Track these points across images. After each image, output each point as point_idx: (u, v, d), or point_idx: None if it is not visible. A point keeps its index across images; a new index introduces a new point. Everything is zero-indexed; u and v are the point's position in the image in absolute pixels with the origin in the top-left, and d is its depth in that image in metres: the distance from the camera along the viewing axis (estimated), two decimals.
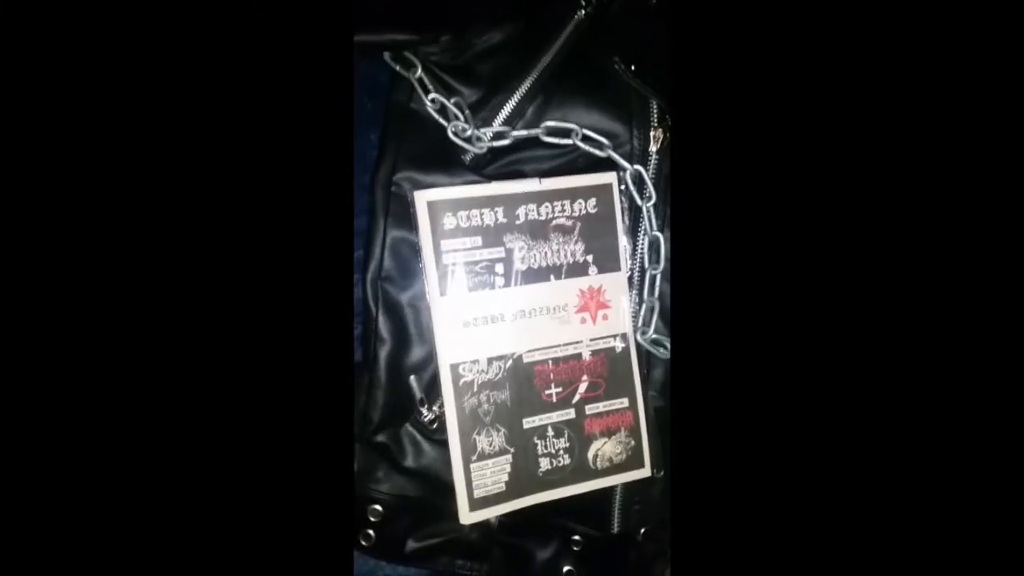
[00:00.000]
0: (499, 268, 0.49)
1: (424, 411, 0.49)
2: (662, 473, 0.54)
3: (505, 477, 0.50)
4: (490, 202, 0.48)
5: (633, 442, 0.53)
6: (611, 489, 0.54)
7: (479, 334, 0.48)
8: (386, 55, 0.50)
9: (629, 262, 0.53)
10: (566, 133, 0.51)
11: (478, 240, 0.48)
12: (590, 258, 0.52)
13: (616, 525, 0.55)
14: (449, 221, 0.47)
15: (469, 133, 0.50)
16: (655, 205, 0.53)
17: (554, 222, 0.51)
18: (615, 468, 0.53)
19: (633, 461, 0.53)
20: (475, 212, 0.48)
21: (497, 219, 0.49)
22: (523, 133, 0.51)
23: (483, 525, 0.50)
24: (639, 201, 0.53)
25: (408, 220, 0.48)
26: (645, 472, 0.53)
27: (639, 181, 0.53)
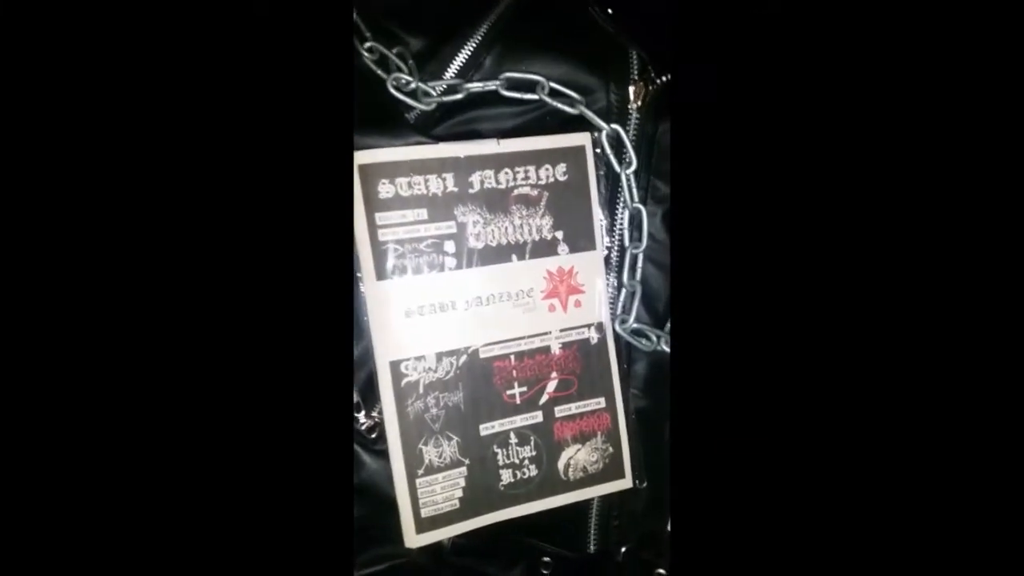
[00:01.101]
0: (449, 246, 0.41)
1: (360, 417, 0.42)
2: (645, 484, 0.47)
3: (459, 493, 0.42)
4: (437, 167, 0.41)
5: (611, 449, 0.46)
6: (586, 503, 0.47)
7: (425, 325, 0.41)
8: None
9: (606, 239, 0.46)
10: (530, 86, 0.44)
11: (423, 213, 0.40)
12: (559, 235, 0.44)
13: (593, 543, 0.47)
14: (386, 189, 0.39)
15: (414, 87, 0.42)
16: (636, 172, 0.45)
17: (516, 192, 0.43)
18: (590, 479, 0.45)
19: (611, 471, 0.46)
20: (418, 179, 0.40)
21: (446, 187, 0.41)
22: (479, 86, 0.43)
23: (435, 548, 0.43)
24: (617, 167, 0.45)
25: None
26: (625, 483, 0.46)
27: (617, 143, 0.45)
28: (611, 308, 0.46)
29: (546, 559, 0.46)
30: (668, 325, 0.46)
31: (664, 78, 0.45)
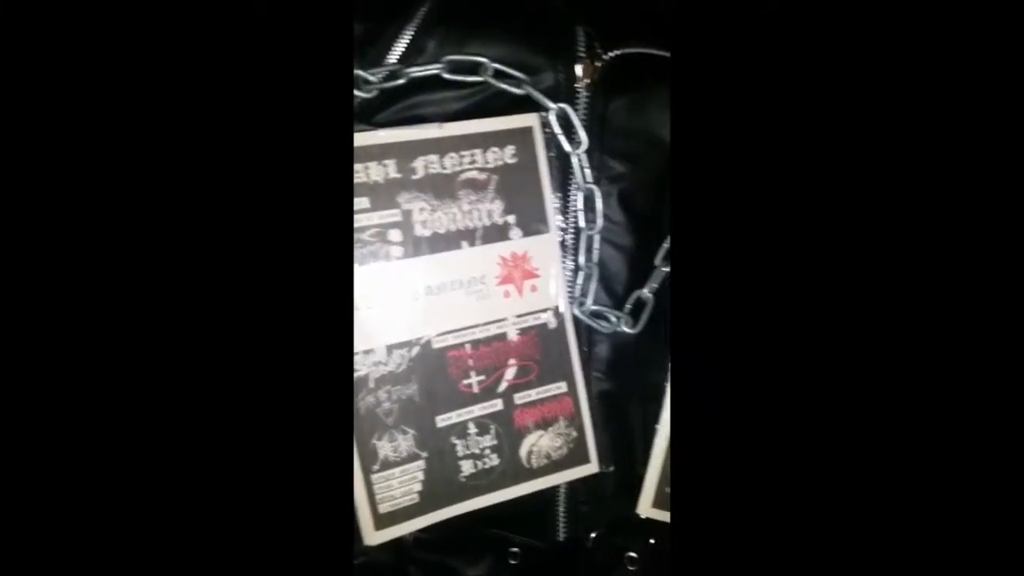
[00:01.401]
0: (394, 235, 0.40)
1: None
2: (611, 468, 0.46)
3: (418, 487, 0.41)
4: (378, 153, 0.40)
5: (575, 433, 0.45)
6: (553, 490, 0.46)
7: (373, 317, 0.40)
8: None
9: (560, 222, 0.45)
10: (473, 68, 0.43)
11: (364, 201, 0.39)
12: (511, 219, 0.43)
13: (562, 531, 0.47)
14: None
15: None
16: (588, 152, 0.44)
17: (463, 176, 0.42)
18: (555, 465, 0.44)
19: (576, 456, 0.45)
20: (358, 167, 0.39)
21: (388, 174, 0.40)
22: (419, 71, 0.42)
23: (396, 544, 0.42)
24: (567, 147, 0.44)
25: None
26: (591, 468, 0.45)
27: (566, 123, 0.44)
28: (569, 291, 0.45)
29: (514, 550, 0.46)
30: (627, 306, 0.46)
31: (612, 53, 0.44)
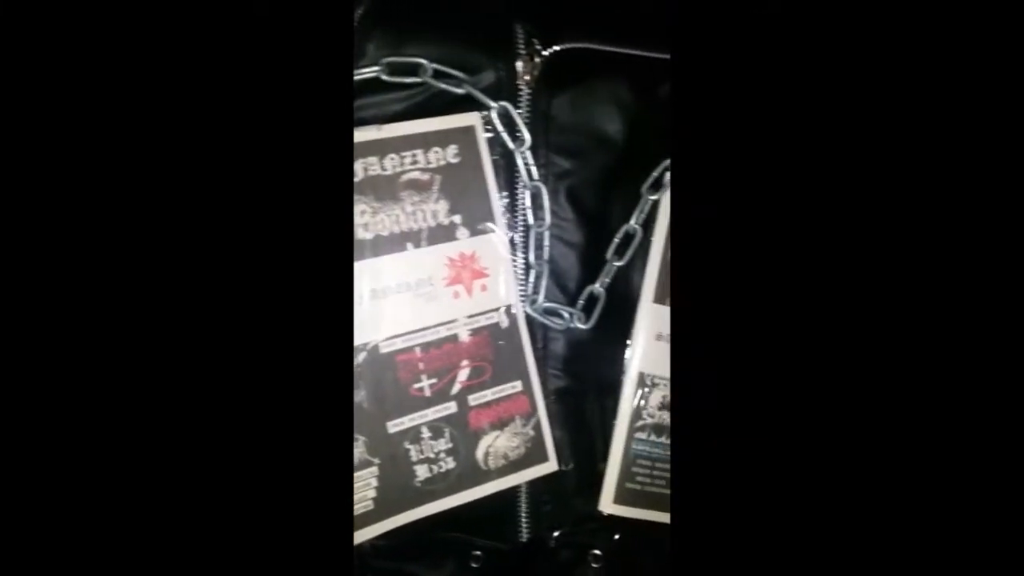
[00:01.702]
0: None
1: None
2: (571, 465, 0.46)
3: (372, 493, 0.41)
4: None
5: (532, 432, 0.44)
6: (514, 491, 0.45)
7: None
8: None
9: (508, 220, 0.45)
10: (413, 69, 0.42)
11: None
12: (457, 219, 0.43)
13: (524, 532, 0.46)
14: None
15: None
16: (533, 149, 0.44)
17: (405, 177, 0.41)
18: (513, 466, 0.44)
19: (534, 455, 0.45)
20: None
21: None
22: (358, 74, 0.41)
23: (355, 551, 0.42)
24: (511, 145, 0.44)
25: None
26: (551, 466, 0.45)
27: (508, 121, 0.44)
28: (521, 289, 0.45)
29: (476, 553, 0.45)
30: (580, 302, 0.45)
31: (551, 49, 0.44)
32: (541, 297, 0.45)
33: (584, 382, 0.47)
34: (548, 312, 0.45)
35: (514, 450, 0.44)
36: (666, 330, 0.46)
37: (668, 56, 0.47)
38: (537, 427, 0.45)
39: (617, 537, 0.46)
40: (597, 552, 0.46)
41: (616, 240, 0.47)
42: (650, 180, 0.47)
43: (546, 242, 0.45)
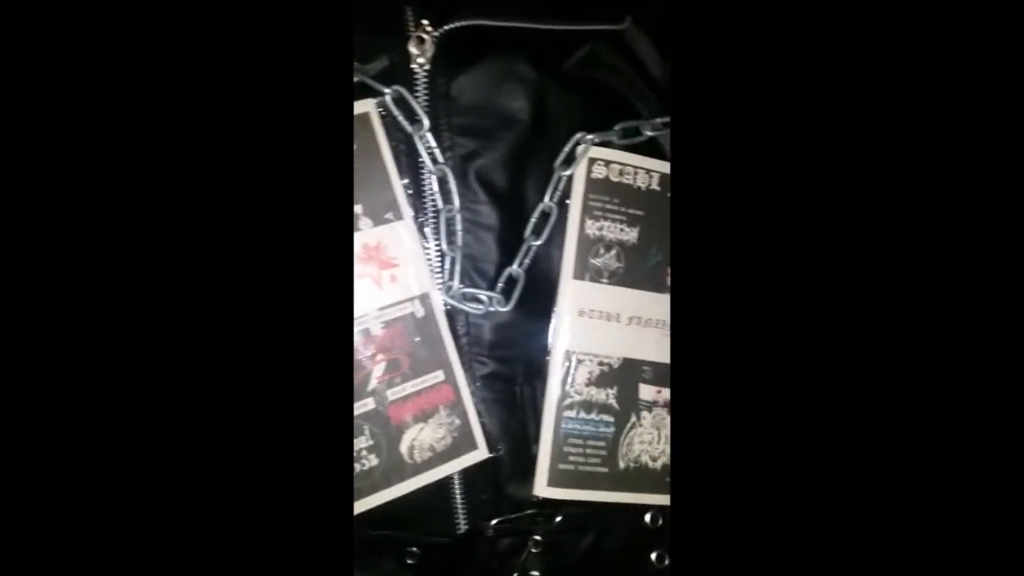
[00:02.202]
0: None
1: None
2: (500, 451, 0.45)
3: None
4: None
5: (458, 421, 0.44)
6: (447, 482, 0.44)
7: None
8: None
9: (416, 207, 0.44)
10: None
11: None
12: (358, 209, 0.42)
13: (462, 523, 0.45)
14: None
15: None
16: (436, 132, 0.43)
17: None
18: (440, 457, 0.43)
19: (462, 444, 0.44)
20: None
21: None
22: None
23: None
24: (409, 129, 0.43)
25: None
26: (481, 454, 0.44)
27: (404, 105, 0.43)
28: (438, 276, 0.44)
29: (412, 549, 0.44)
30: (500, 284, 0.45)
31: (442, 29, 0.43)
32: (456, 283, 0.44)
33: (512, 365, 0.46)
34: (466, 298, 0.44)
35: (440, 441, 0.43)
36: (588, 305, 0.45)
37: (570, 28, 0.47)
38: (463, 416, 0.44)
39: (557, 520, 0.45)
40: (537, 537, 0.45)
41: (533, 219, 0.46)
42: (562, 156, 0.46)
43: (458, 227, 0.44)
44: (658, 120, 0.48)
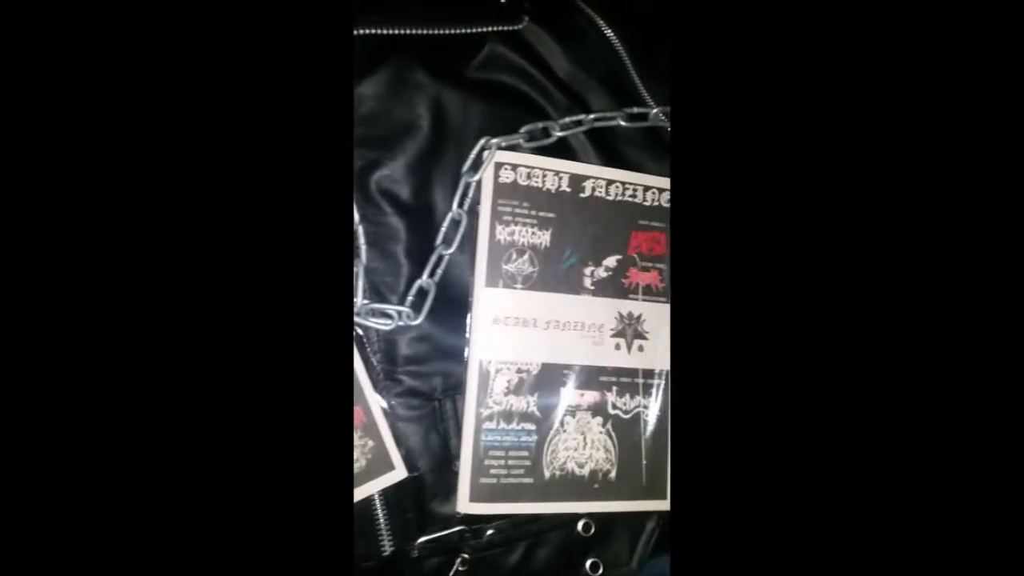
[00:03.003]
0: None
1: None
2: (421, 469, 0.44)
3: None
4: None
5: (371, 442, 0.42)
6: (368, 504, 0.43)
7: None
8: None
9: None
10: None
11: None
12: None
13: (387, 545, 0.44)
14: None
15: None
16: None
17: None
18: (355, 480, 0.42)
19: (378, 465, 0.42)
20: None
21: None
22: None
23: None
24: None
25: None
26: (399, 474, 0.43)
27: None
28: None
29: None
30: (410, 297, 0.43)
31: None
32: (359, 300, 0.42)
33: (430, 380, 0.45)
34: (373, 314, 0.43)
35: (355, 464, 0.42)
36: (503, 312, 0.44)
37: (465, 31, 0.46)
38: (377, 436, 0.42)
39: (486, 535, 0.44)
40: (465, 555, 0.44)
41: (443, 228, 0.45)
42: (468, 162, 0.45)
43: (360, 240, 0.43)
44: (567, 119, 0.48)
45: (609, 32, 0.49)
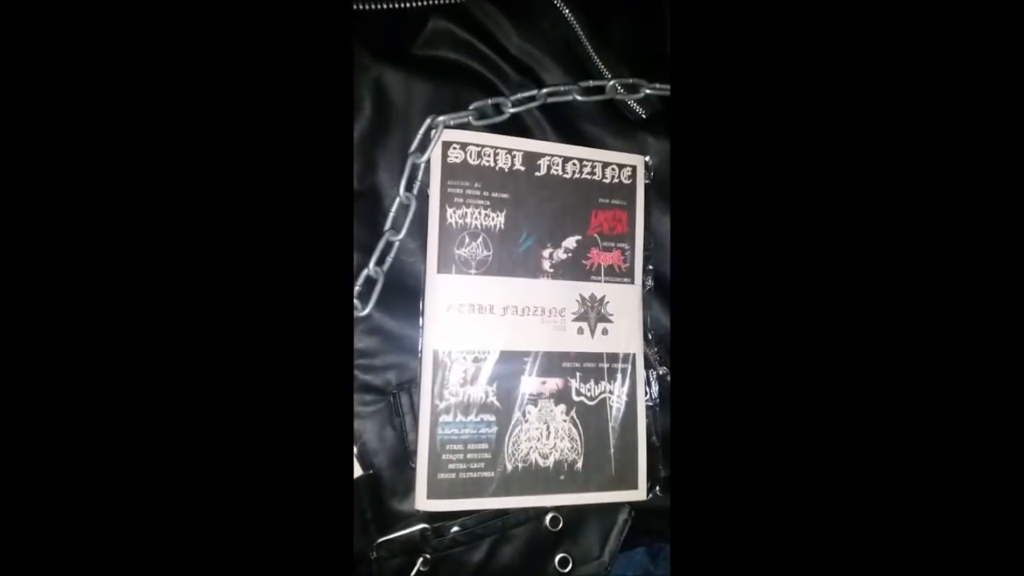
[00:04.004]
0: None
1: None
2: (374, 467, 0.41)
3: None
4: None
5: None
6: None
7: None
8: None
9: None
10: None
11: None
12: None
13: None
14: None
15: None
16: None
17: None
18: None
19: None
20: None
21: None
22: None
23: None
24: None
25: None
26: (354, 472, 0.41)
27: None
28: None
29: None
30: (357, 287, 0.41)
31: None
32: None
33: (383, 374, 0.43)
34: None
35: None
36: (457, 299, 0.42)
37: (403, 6, 0.44)
38: None
39: (449, 533, 0.42)
40: (427, 555, 0.42)
41: (391, 213, 0.43)
42: (415, 143, 0.43)
43: None
44: (520, 95, 0.46)
45: (561, 3, 0.47)
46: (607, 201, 0.46)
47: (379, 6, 0.42)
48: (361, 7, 0.42)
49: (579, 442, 0.44)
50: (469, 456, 0.41)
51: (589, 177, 0.46)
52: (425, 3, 0.43)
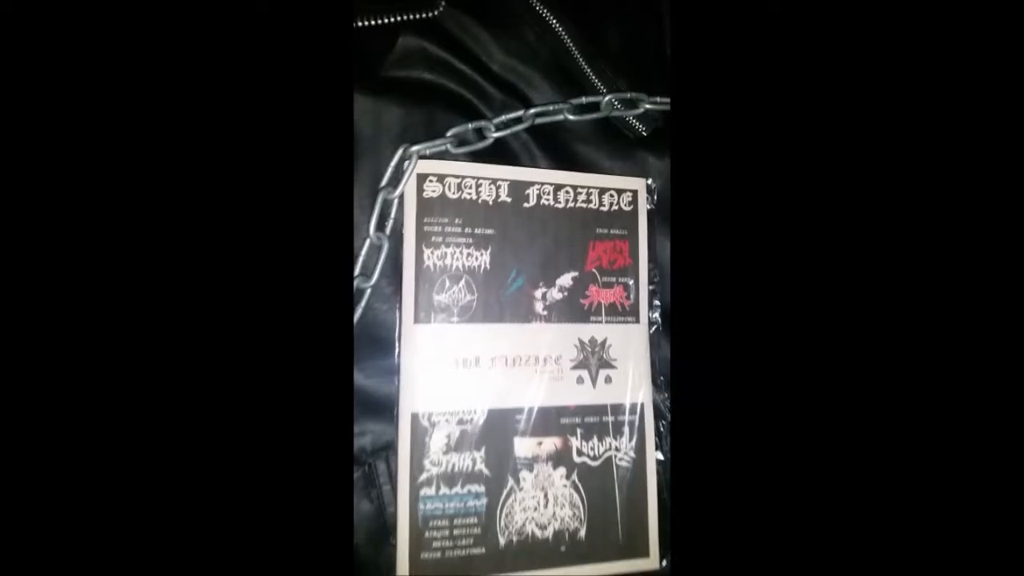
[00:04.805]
0: None
1: None
2: (352, 544, 0.37)
3: None
4: None
5: None
6: None
7: None
8: None
9: None
10: None
11: None
12: None
13: None
14: None
15: None
16: None
17: None
18: None
19: None
20: None
21: None
22: None
23: None
24: None
25: None
26: None
27: None
28: None
29: None
30: None
31: None
32: None
33: (358, 439, 0.38)
34: None
35: None
36: (437, 353, 0.37)
37: (370, 23, 0.39)
38: None
39: None
40: None
41: (361, 256, 0.38)
42: (386, 176, 0.38)
43: None
44: (504, 117, 0.41)
45: (548, 12, 0.42)
46: (606, 231, 0.41)
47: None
48: None
49: (582, 509, 0.39)
50: (456, 532, 0.36)
51: (585, 205, 0.41)
52: (394, 19, 0.39)
